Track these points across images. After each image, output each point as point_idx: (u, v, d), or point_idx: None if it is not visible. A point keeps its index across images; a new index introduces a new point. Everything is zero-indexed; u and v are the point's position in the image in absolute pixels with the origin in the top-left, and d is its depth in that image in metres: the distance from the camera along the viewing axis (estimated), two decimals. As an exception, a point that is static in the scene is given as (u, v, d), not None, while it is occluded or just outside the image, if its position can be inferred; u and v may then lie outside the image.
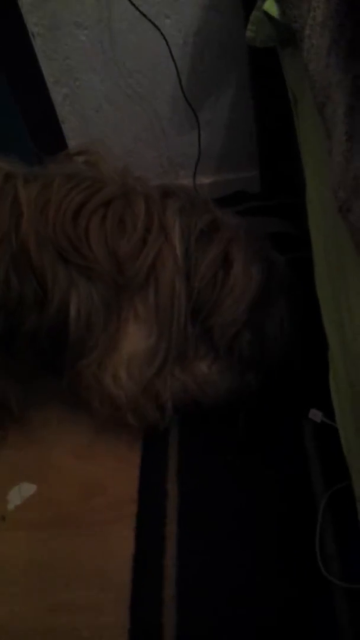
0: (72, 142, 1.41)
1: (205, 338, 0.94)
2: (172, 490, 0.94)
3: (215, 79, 1.29)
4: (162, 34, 1.20)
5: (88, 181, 0.87)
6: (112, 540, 0.90)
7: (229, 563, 0.85)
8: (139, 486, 0.95)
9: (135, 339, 0.90)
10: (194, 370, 0.96)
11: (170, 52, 1.23)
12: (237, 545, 0.86)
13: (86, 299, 0.85)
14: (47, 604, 0.85)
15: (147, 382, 0.92)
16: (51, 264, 0.84)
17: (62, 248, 0.84)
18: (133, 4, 1.15)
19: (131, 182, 0.91)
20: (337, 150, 0.54)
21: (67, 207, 0.84)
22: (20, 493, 1.00)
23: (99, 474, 0.99)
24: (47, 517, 0.96)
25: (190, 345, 0.93)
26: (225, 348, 0.94)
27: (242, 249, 0.91)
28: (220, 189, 1.44)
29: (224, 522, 0.89)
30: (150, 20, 1.19)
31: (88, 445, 1.03)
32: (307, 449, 0.94)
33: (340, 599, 0.78)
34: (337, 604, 0.77)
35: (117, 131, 1.39)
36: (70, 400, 1.03)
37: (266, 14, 0.80)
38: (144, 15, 1.18)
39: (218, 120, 1.36)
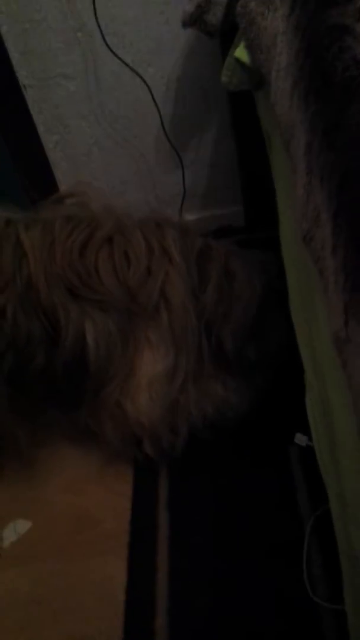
0: (64, 186, 1.46)
1: (217, 354, 0.97)
2: (162, 520, 0.95)
3: (197, 121, 1.36)
4: (144, 81, 1.27)
5: (86, 221, 0.92)
6: (104, 572, 0.91)
7: (219, 591, 0.85)
8: (130, 517, 0.96)
9: (153, 361, 0.92)
10: (210, 392, 0.98)
11: (153, 98, 1.29)
12: (226, 572, 0.87)
13: (103, 330, 0.88)
14: (40, 637, 0.85)
15: (172, 400, 0.94)
16: (62, 301, 0.87)
17: (73, 284, 0.87)
18: (116, 55, 1.22)
19: (122, 219, 0.95)
20: (299, 183, 0.58)
21: (73, 246, 0.88)
22: (16, 530, 1.01)
23: (91, 507, 1.00)
24: (42, 552, 0.96)
25: (206, 361, 0.96)
26: (235, 356, 0.97)
27: (240, 261, 0.97)
28: (206, 224, 1.49)
29: (214, 549, 0.90)
30: (133, 70, 1.25)
31: (78, 480, 1.04)
32: (294, 473, 0.96)
33: (327, 621, 0.78)
34: (325, 625, 0.78)
35: (106, 173, 1.45)
36: (72, 434, 1.06)
37: (237, 60, 0.86)
38: (127, 65, 1.24)
39: (201, 159, 1.41)
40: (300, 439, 0.97)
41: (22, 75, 1.27)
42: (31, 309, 0.87)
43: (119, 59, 1.23)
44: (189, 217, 1.50)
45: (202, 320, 0.93)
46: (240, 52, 0.85)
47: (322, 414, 0.60)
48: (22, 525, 1.02)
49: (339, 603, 0.78)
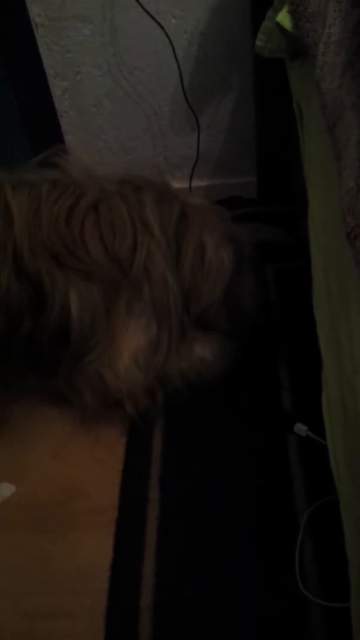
0: (70, 137, 1.40)
1: (195, 324, 1.00)
2: (153, 497, 0.93)
3: (218, 83, 1.29)
4: (166, 33, 1.19)
5: (71, 187, 0.91)
6: (90, 546, 0.89)
7: (207, 575, 0.84)
8: (120, 492, 0.94)
9: (136, 334, 0.94)
10: (191, 355, 1.01)
11: (174, 52, 1.22)
12: (216, 557, 0.86)
13: (87, 300, 0.88)
14: (21, 609, 0.84)
15: (158, 370, 0.97)
16: (47, 269, 0.86)
17: (58, 252, 0.86)
18: (139, 2, 1.14)
19: (104, 185, 0.94)
20: (348, 175, 0.54)
21: (59, 212, 0.87)
22: (0, 493, 0.99)
23: (79, 477, 0.98)
24: (25, 519, 0.94)
25: (187, 332, 0.99)
26: (206, 326, 1.01)
27: (212, 234, 0.97)
28: (216, 193, 1.44)
29: (204, 532, 0.89)
30: (155, 20, 1.17)
31: (67, 448, 1.02)
32: (291, 463, 0.94)
33: (317, 617, 0.78)
34: (314, 621, 0.77)
35: (116, 128, 1.38)
36: (49, 399, 1.05)
37: (278, 25, 0.80)
38: (149, 14, 1.16)
39: (218, 124, 1.35)
40: (300, 428, 0.95)
41: (35, 12, 1.19)
42: (20, 274, 0.86)
43: (142, 6, 1.15)
44: (199, 183, 1.44)
45: (182, 293, 0.95)
46: (283, 17, 0.78)
47: (343, 421, 0.57)
48: (6, 489, 0.99)
49: (329, 600, 0.78)
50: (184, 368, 1.00)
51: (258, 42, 0.89)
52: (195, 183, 1.43)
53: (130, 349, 0.94)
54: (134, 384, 0.97)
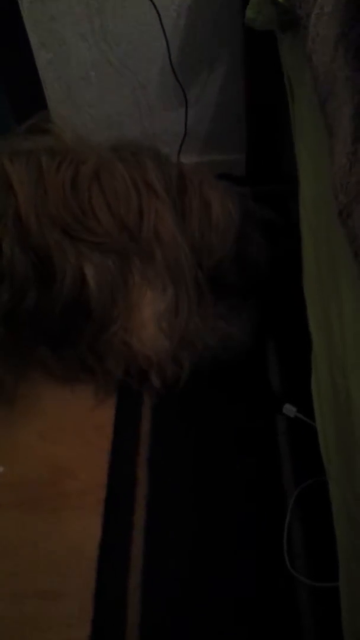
0: (55, 109, 1.35)
1: (211, 284, 0.99)
2: (142, 477, 0.93)
3: (207, 57, 1.25)
4: (154, 4, 1.15)
5: (69, 155, 0.88)
6: (78, 526, 0.89)
7: (195, 554, 0.84)
8: (108, 472, 0.94)
9: (155, 299, 0.93)
10: (211, 323, 1.00)
11: (162, 24, 1.18)
12: (205, 537, 0.86)
13: (104, 272, 0.87)
14: (9, 589, 0.84)
15: (181, 332, 0.96)
16: (56, 242, 0.85)
17: (68, 225, 0.85)
18: (126, -30, 1.10)
19: (100, 151, 0.92)
20: (340, 151, 0.52)
21: (64, 182, 0.85)
22: (-12, 471, 0.98)
23: (67, 457, 0.97)
24: (13, 499, 0.94)
25: (205, 292, 0.98)
26: (220, 284, 0.99)
27: (215, 189, 0.97)
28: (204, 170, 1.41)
29: (193, 512, 0.89)
30: (143, -11, 1.14)
31: (56, 428, 1.01)
32: (280, 444, 0.94)
33: (304, 596, 0.78)
34: (302, 601, 0.78)
35: (102, 102, 1.34)
36: (56, 375, 1.04)
37: (270, -5, 0.77)
38: (138, -17, 1.13)
39: (206, 98, 1.32)
40: (289, 409, 0.95)
41: (19, -21, 1.15)
42: (24, 245, 0.85)
43: (129, -25, 1.11)
44: (187, 160, 1.41)
45: (192, 250, 0.94)
46: (275, -13, 0.76)
47: (333, 402, 0.57)
48: (-5, 468, 0.99)
49: (316, 579, 0.79)
50: (206, 334, 0.99)
51: (248, 14, 0.86)
52: (183, 159, 1.40)
53: (152, 316, 0.94)
54: (161, 350, 0.96)
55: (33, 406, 1.04)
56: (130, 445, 0.97)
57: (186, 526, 0.87)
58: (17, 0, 1.16)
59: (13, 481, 0.96)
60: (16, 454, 0.99)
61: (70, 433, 1.00)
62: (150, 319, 0.94)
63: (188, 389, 1.00)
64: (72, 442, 0.99)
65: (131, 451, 0.96)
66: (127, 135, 1.39)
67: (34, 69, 1.28)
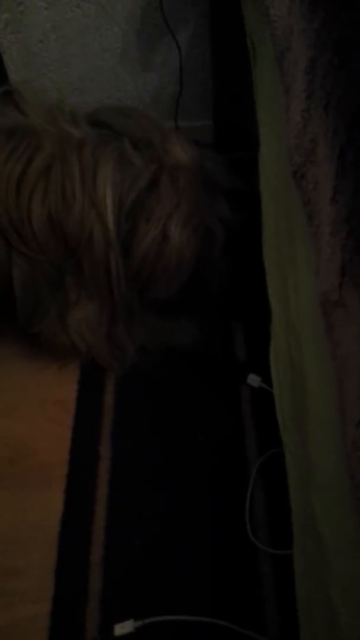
0: (14, 75, 1.30)
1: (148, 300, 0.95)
2: (104, 453, 0.91)
3: (172, 21, 1.20)
4: None
5: (27, 138, 0.85)
6: (40, 503, 0.87)
7: (157, 528, 0.83)
8: (70, 447, 0.92)
9: (81, 305, 0.93)
10: (143, 325, 0.98)
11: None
12: (168, 510, 0.85)
13: (30, 280, 0.88)
14: (-31, 567, 0.82)
15: (105, 331, 0.96)
16: None
17: (5, 229, 0.85)
18: None
19: (65, 127, 0.88)
20: (295, 108, 0.50)
21: (9, 180, 0.83)
22: None
23: (29, 434, 0.95)
24: (-28, 477, 0.91)
25: (136, 311, 0.96)
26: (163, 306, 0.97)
27: (180, 226, 0.88)
28: (171, 138, 1.37)
29: (155, 486, 0.88)
30: None
31: (17, 405, 0.99)
32: (243, 414, 0.93)
33: (266, 564, 0.78)
34: (263, 568, 0.78)
35: (64, 65, 1.29)
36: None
37: None
38: None
39: (171, 63, 1.27)
40: (253, 379, 0.94)
41: None
42: None
43: None
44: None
45: (130, 274, 0.90)
46: None
47: (289, 372, 0.55)
48: None
49: (278, 547, 0.78)
50: (141, 343, 0.99)
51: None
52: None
53: (78, 319, 0.95)
54: (91, 343, 0.97)
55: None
56: (93, 420, 0.95)
57: (148, 500, 0.86)
58: None
59: (-28, 458, 0.94)
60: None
61: (32, 408, 0.98)
62: (77, 321, 0.95)
63: (150, 363, 0.98)
64: (34, 417, 0.97)
65: (94, 426, 0.94)
66: (91, 103, 1.34)
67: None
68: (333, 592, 0.42)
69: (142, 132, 0.91)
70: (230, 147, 1.31)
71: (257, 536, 0.80)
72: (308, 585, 0.52)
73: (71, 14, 1.21)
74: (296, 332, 0.53)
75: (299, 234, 0.52)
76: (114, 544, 0.82)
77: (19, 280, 0.87)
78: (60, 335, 0.96)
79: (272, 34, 0.60)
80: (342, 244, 0.37)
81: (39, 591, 0.79)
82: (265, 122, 0.71)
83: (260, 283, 0.73)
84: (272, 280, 0.66)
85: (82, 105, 1.33)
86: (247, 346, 1.02)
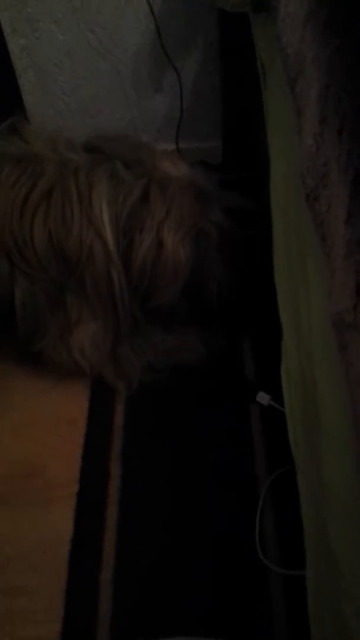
0: (29, 98, 1.33)
1: (151, 312, 0.96)
2: (114, 471, 0.91)
3: (183, 43, 1.23)
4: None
5: (32, 164, 0.90)
6: (50, 522, 0.87)
7: (167, 546, 0.83)
8: (81, 466, 0.92)
9: (83, 324, 0.94)
10: (148, 342, 1.00)
11: (151, 9, 1.15)
12: (178, 528, 0.85)
13: (30, 298, 0.90)
14: (-20, 585, 0.82)
15: (109, 350, 0.97)
16: None
17: (9, 249, 0.88)
18: None
19: (64, 153, 0.92)
20: (308, 131, 0.51)
21: (14, 203, 0.87)
22: None
23: (40, 452, 0.95)
24: (-17, 495, 0.92)
25: (139, 320, 0.96)
26: (167, 319, 0.99)
27: (173, 230, 0.90)
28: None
29: (165, 504, 0.88)
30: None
31: (28, 422, 0.99)
32: (253, 432, 0.93)
33: (276, 584, 0.78)
34: (273, 588, 0.77)
35: (78, 89, 1.32)
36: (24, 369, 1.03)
37: (241, -25, 0.76)
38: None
39: (183, 85, 1.29)
40: (262, 397, 0.94)
41: None
42: None
43: None
44: (165, 146, 1.39)
45: (131, 288, 0.92)
46: (245, -34, 0.74)
47: (301, 390, 0.55)
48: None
49: (288, 567, 0.78)
50: (147, 360, 1.00)
51: (220, -5, 0.84)
52: (161, 147, 1.38)
53: (80, 337, 0.96)
54: (94, 362, 0.98)
55: (4, 400, 1.02)
56: (103, 439, 0.95)
57: (158, 518, 0.86)
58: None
59: (-17, 476, 0.94)
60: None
61: (43, 427, 0.98)
62: (80, 340, 0.96)
63: (161, 381, 0.98)
64: (45, 436, 0.97)
65: (104, 445, 0.95)
66: (104, 124, 1.37)
67: (6, 56, 1.26)
68: (347, 613, 0.42)
69: (132, 154, 0.94)
70: (238, 167, 1.33)
71: (267, 556, 0.80)
72: (321, 606, 0.52)
73: (84, 38, 1.23)
74: (308, 350, 0.53)
75: (310, 254, 0.53)
76: (124, 563, 0.82)
77: (19, 299, 0.90)
78: (62, 355, 0.97)
79: (285, 60, 0.61)
80: (357, 265, 0.38)
81: (49, 610, 0.78)
82: (275, 144, 0.72)
83: (268, 299, 0.74)
84: (283, 298, 0.66)
85: (94, 127, 1.37)
86: (255, 363, 1.02)
